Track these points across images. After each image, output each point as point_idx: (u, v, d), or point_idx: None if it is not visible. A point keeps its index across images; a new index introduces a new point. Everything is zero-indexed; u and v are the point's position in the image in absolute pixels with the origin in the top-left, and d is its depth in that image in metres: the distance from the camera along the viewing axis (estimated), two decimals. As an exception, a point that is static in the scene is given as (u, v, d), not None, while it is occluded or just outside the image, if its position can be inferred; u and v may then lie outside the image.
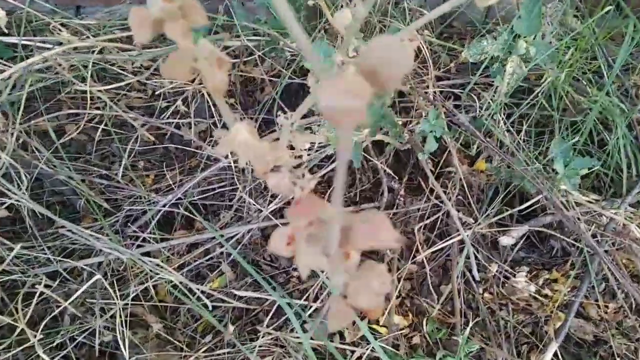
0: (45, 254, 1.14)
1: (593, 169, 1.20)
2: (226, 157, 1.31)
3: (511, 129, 1.31)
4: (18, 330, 1.03)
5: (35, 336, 1.00)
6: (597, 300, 1.22)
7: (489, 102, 1.28)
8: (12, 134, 1.18)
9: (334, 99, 0.12)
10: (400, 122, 1.32)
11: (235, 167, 1.33)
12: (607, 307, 1.22)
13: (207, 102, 1.40)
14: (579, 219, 1.17)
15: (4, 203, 1.11)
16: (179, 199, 1.32)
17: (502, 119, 1.30)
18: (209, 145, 1.37)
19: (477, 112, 1.29)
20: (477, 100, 1.30)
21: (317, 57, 0.16)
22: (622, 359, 1.15)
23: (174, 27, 0.17)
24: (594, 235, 1.18)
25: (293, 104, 1.47)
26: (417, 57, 1.48)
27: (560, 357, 1.14)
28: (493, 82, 1.26)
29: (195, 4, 0.17)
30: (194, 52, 0.17)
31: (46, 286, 1.09)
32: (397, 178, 1.36)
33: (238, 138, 0.19)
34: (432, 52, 1.53)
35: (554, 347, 1.12)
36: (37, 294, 1.06)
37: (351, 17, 0.37)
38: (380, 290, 0.17)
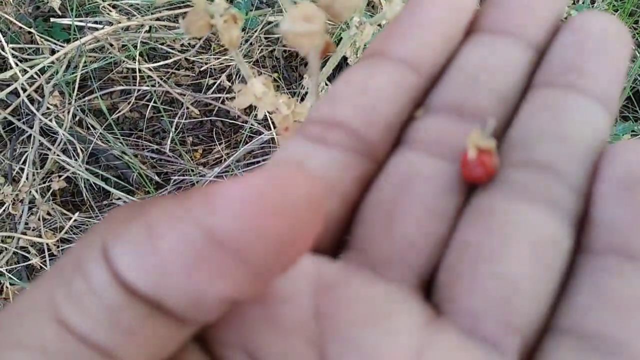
0: (101, 223, 1.21)
1: (637, 133, 1.17)
2: (268, 129, 1.34)
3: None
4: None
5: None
6: None
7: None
8: (69, 111, 1.25)
9: (292, 24, 0.15)
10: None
11: (277, 140, 1.37)
12: None
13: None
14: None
15: (62, 175, 1.18)
16: (225, 171, 1.36)
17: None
18: (253, 119, 1.41)
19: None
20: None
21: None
22: None
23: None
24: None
25: (336, 76, 1.49)
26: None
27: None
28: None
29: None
30: (210, 9, 0.20)
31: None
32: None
33: (254, 91, 0.22)
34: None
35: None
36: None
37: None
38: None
